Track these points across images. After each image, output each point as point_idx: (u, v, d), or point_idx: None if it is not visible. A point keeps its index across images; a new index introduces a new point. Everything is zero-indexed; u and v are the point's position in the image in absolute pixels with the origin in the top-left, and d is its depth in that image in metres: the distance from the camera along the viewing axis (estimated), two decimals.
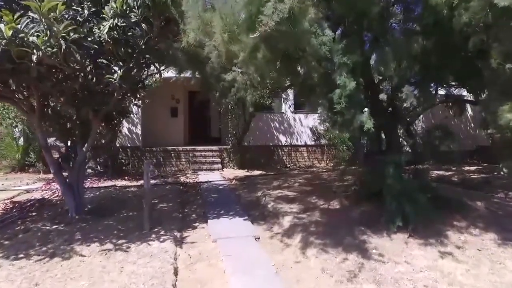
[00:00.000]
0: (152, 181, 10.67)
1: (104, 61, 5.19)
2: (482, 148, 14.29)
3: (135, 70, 5.88)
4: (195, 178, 11.01)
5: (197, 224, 6.21)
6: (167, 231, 5.61)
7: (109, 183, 10.02)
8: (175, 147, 13.21)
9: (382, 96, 6.66)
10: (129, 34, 5.21)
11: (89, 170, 11.75)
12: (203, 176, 11.18)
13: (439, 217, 5.73)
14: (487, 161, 13.46)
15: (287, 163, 14.14)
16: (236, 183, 10.20)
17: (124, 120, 11.85)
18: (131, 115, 12.74)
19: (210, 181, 10.24)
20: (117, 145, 12.69)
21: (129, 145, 12.86)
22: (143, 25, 4.90)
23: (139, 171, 12.60)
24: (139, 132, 12.96)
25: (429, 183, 6.56)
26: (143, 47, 5.18)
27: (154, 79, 11.09)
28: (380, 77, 6.82)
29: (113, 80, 4.75)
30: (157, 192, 8.63)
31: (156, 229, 5.67)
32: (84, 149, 6.12)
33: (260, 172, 12.09)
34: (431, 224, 5.51)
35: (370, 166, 6.70)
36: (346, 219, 6.07)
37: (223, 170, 12.47)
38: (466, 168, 12.36)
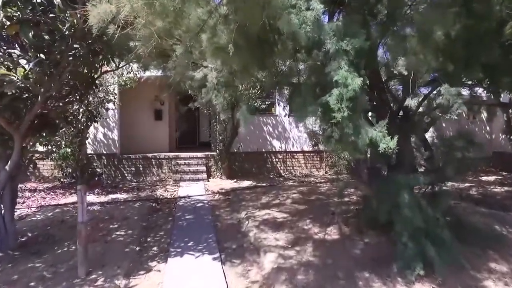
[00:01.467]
0: (123, 196, 9.34)
1: (17, 52, 3.80)
2: (500, 155, 12.83)
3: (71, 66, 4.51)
4: (174, 191, 9.61)
5: (154, 263, 4.80)
6: (108, 277, 4.22)
7: (72, 198, 8.62)
8: (156, 154, 11.82)
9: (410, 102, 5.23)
10: (50, 15, 3.83)
11: (56, 182, 10.42)
12: (184, 189, 9.79)
13: (470, 257, 4.34)
14: (506, 169, 12.02)
15: (281, 171, 12.72)
16: (220, 199, 8.80)
17: (94, 124, 10.50)
18: (107, 119, 11.44)
19: (190, 196, 8.84)
20: (91, 152, 11.35)
21: (104, 152, 11.47)
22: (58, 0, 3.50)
23: (116, 181, 11.26)
24: (116, 138, 11.56)
25: (452, 209, 5.16)
26: (67, 32, 3.79)
27: (125, 77, 9.66)
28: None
29: (14, 79, 3.35)
30: (123, 212, 7.25)
31: (94, 275, 4.28)
32: (7, 167, 4.73)
33: (250, 182, 10.68)
34: (461, 268, 4.10)
35: (376, 186, 5.29)
36: (347, 258, 4.67)
37: (208, 181, 11.07)
38: (484, 178, 10.91)
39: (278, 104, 12.63)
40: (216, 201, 8.57)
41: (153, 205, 8.10)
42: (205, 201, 8.33)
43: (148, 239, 5.83)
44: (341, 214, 6.79)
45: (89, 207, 7.66)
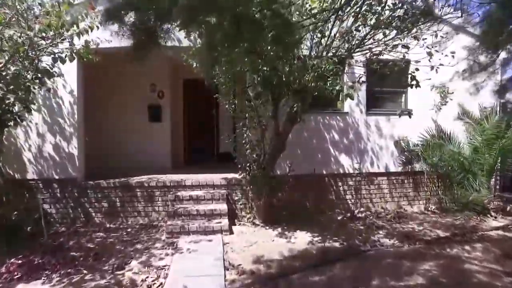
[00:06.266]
0: None
1: None
2: None
3: None
4: (162, 268, 4.65)
5: None
6: None
7: None
8: (144, 180, 6.98)
9: None
10: None
11: None
12: (184, 261, 4.85)
13: None
14: None
15: (353, 207, 7.58)
16: None
17: (17, 127, 5.79)
18: (59, 119, 6.71)
19: None
20: (33, 176, 6.64)
21: (56, 177, 6.71)
22: None
23: (74, 226, 6.52)
24: (75, 152, 6.77)
25: None
26: None
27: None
28: None
29: None
30: None
31: None
32: None
33: (310, 238, 5.67)
34: None
35: None
36: None
37: (231, 232, 6.04)
38: None
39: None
40: None
41: None
42: None
43: None
44: None
45: None
